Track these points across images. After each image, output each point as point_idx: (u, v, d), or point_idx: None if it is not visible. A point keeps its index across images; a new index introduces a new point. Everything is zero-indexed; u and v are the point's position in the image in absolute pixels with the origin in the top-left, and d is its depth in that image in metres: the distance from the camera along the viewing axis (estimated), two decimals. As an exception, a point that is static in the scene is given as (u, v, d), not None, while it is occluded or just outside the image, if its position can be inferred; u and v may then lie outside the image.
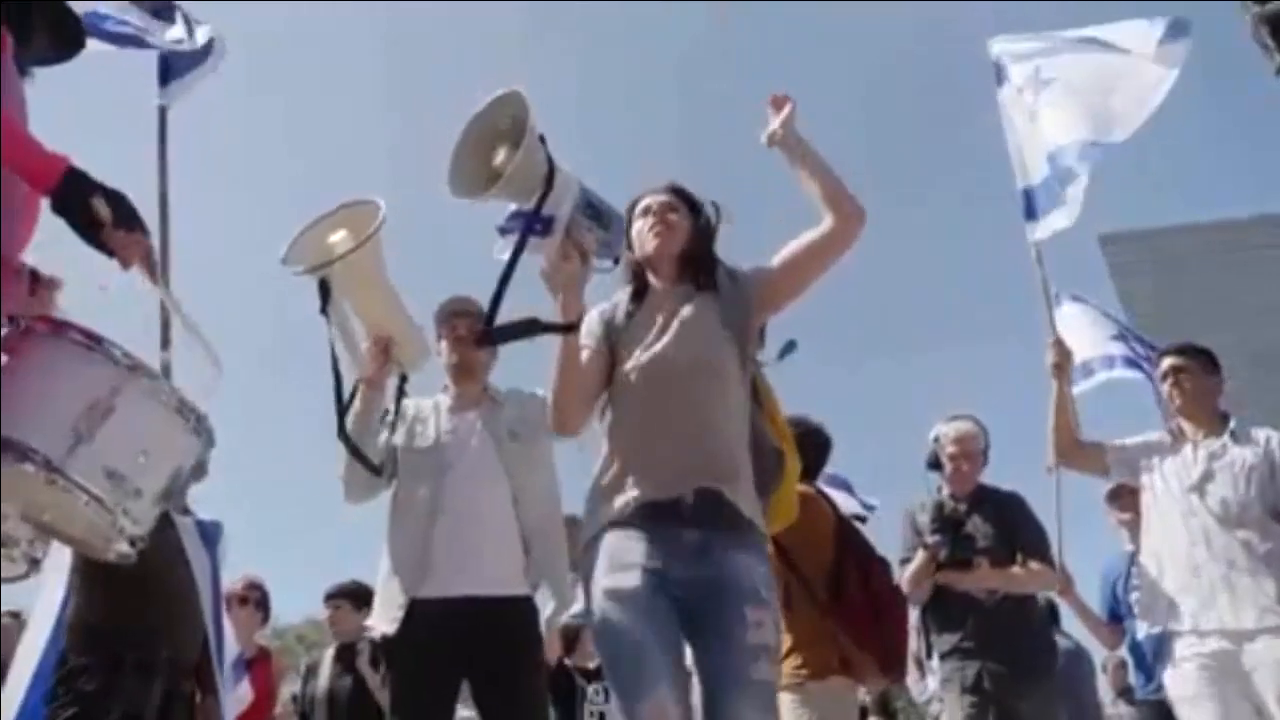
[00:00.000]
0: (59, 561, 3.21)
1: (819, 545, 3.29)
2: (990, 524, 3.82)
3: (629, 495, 2.09)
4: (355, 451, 2.81)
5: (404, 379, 2.99)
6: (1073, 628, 5.88)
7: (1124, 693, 6.55)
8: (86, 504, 1.62)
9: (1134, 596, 4.35)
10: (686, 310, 2.21)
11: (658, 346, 2.18)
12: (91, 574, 3.00)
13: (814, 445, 3.59)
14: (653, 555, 2.02)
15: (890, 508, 4.43)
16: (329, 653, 5.23)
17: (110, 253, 1.77)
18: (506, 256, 2.14)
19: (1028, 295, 4.19)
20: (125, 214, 1.76)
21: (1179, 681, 3.23)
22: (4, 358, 1.72)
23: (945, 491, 4.00)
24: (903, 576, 3.81)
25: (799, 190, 2.26)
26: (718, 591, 2.02)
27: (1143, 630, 3.57)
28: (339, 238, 2.60)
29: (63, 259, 1.91)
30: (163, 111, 4.90)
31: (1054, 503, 4.63)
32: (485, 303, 3.03)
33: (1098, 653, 6.14)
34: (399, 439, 2.98)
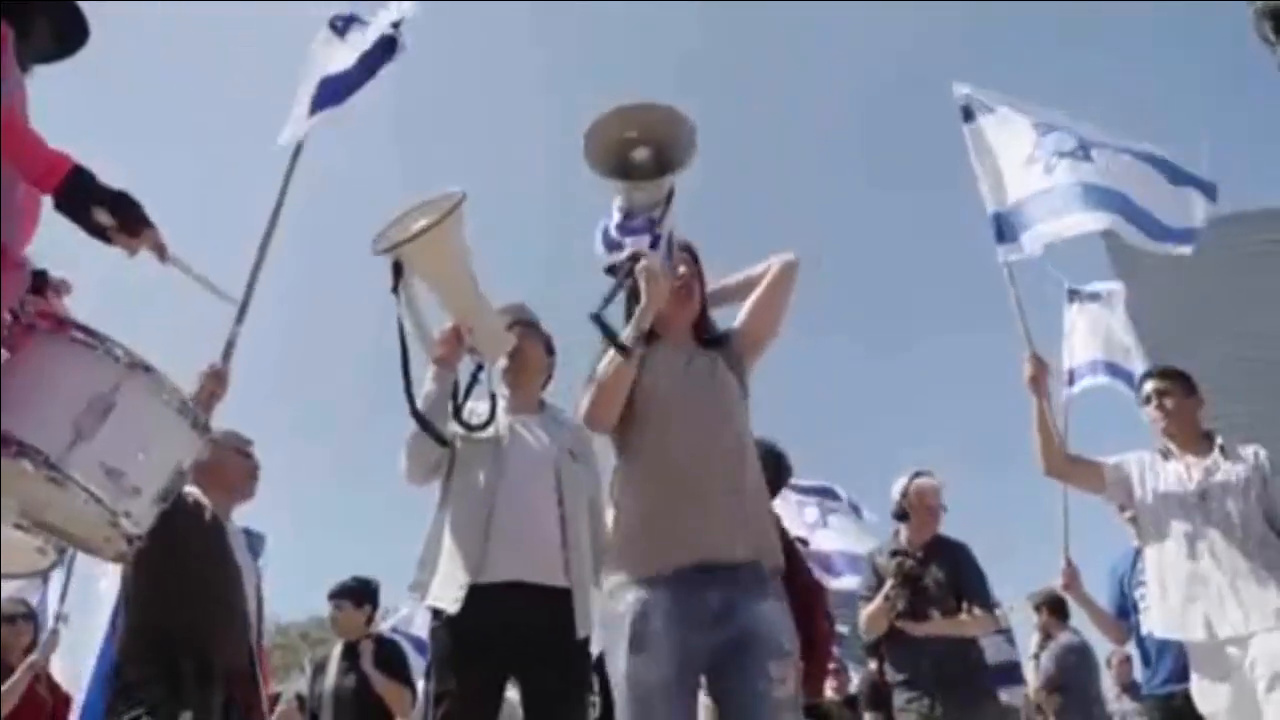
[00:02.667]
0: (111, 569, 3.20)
1: None
2: (944, 571, 4.30)
3: (663, 558, 2.14)
4: (427, 425, 2.84)
5: (479, 368, 3.00)
6: (1078, 623, 5.91)
7: (1128, 688, 6.57)
8: (86, 502, 1.61)
9: (1139, 593, 4.41)
10: (699, 362, 2.37)
11: (675, 392, 2.29)
12: (148, 581, 2.98)
13: (773, 468, 3.69)
14: (675, 628, 2.08)
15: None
16: (335, 651, 5.24)
17: (113, 244, 1.77)
18: (618, 257, 2.31)
19: (1032, 285, 4.27)
20: (130, 217, 1.75)
21: (1207, 696, 3.32)
22: (4, 354, 1.71)
23: (905, 537, 4.45)
24: (861, 613, 4.35)
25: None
26: (741, 650, 2.09)
27: (1146, 628, 3.65)
28: (420, 224, 2.62)
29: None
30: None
31: (1061, 496, 4.68)
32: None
33: (1102, 648, 6.17)
34: (458, 430, 2.99)
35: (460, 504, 2.96)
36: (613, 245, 2.26)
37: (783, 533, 3.54)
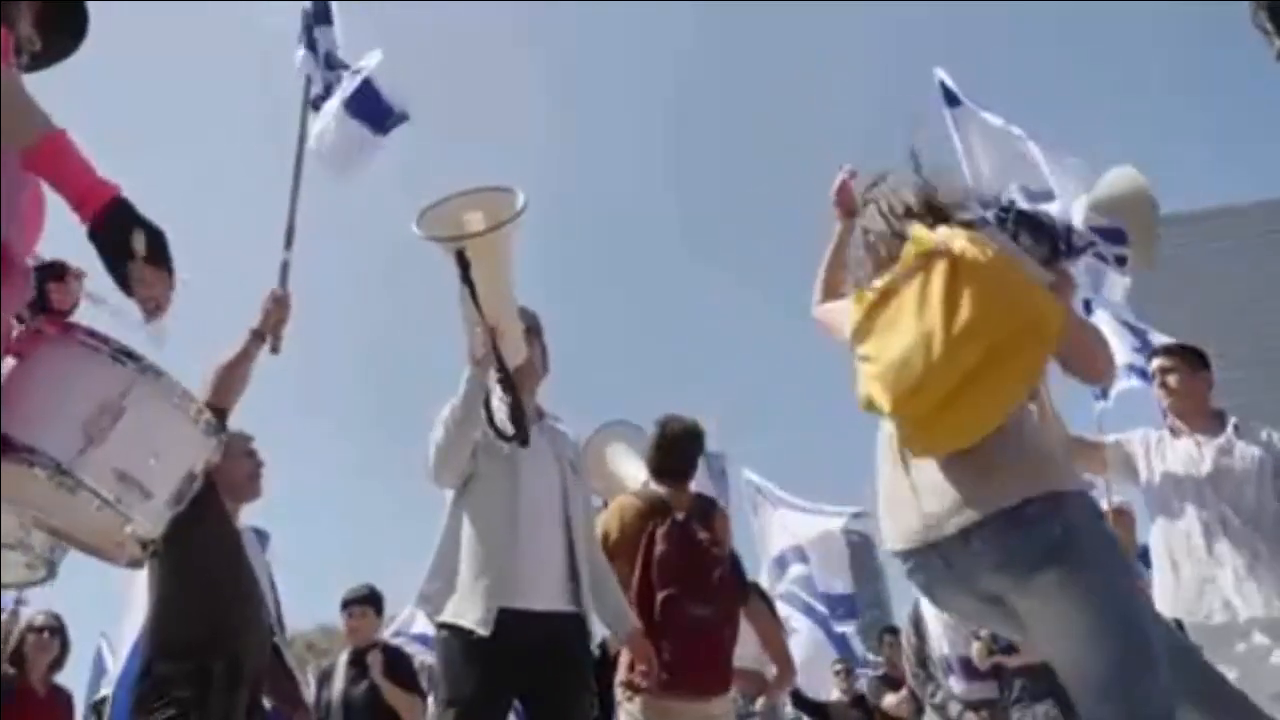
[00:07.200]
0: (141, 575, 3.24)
1: (629, 562, 3.40)
2: None
3: None
4: (513, 436, 2.84)
5: (507, 373, 2.96)
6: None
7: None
8: (98, 508, 1.58)
9: None
10: None
11: None
12: (175, 584, 2.97)
13: (690, 445, 3.71)
14: None
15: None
16: (343, 658, 5.22)
17: (129, 290, 1.64)
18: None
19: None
20: (161, 251, 1.65)
21: None
22: (13, 360, 1.69)
23: None
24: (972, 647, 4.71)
25: None
26: None
27: None
28: (474, 217, 2.57)
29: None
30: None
31: None
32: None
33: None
34: (485, 435, 2.96)
35: (481, 521, 2.91)
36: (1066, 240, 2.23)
37: (653, 531, 3.50)
